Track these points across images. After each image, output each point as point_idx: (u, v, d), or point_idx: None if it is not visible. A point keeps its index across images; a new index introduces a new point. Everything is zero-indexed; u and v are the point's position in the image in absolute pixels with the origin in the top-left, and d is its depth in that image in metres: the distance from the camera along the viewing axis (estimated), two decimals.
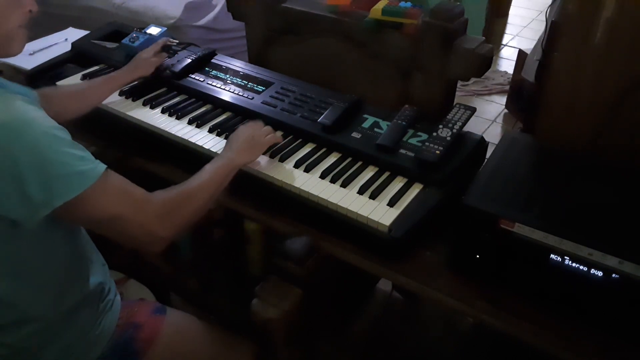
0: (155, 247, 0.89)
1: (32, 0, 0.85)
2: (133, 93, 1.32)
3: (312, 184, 1.03)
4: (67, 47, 1.54)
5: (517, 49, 2.93)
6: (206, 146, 1.14)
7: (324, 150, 1.13)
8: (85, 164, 0.78)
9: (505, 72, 3.39)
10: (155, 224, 0.86)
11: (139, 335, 1.02)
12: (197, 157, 1.14)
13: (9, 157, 0.72)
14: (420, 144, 1.07)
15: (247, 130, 1.08)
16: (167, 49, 1.40)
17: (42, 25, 1.46)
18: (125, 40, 1.41)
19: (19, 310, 0.87)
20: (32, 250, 0.84)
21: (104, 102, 1.29)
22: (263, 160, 1.10)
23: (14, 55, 0.86)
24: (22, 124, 0.74)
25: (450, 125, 1.07)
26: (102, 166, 0.81)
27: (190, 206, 0.92)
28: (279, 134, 1.16)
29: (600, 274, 0.78)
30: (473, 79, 2.71)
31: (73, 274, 0.94)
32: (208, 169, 0.98)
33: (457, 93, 1.30)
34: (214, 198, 0.97)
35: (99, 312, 0.99)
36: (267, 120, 1.20)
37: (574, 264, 0.80)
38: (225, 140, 1.15)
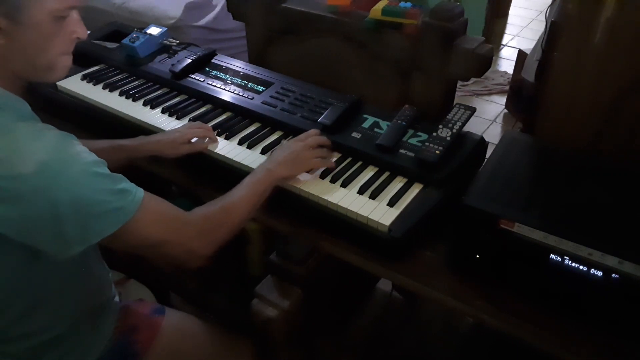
0: (195, 263, 0.87)
1: (81, 26, 0.82)
2: (133, 93, 1.32)
3: (312, 184, 1.03)
4: None
5: (517, 49, 2.94)
6: (207, 146, 1.14)
7: None
8: (123, 198, 0.76)
9: (505, 72, 3.39)
10: (196, 243, 0.85)
11: (137, 337, 1.02)
12: (198, 157, 1.14)
13: (47, 198, 0.71)
14: (420, 144, 1.07)
15: (295, 145, 1.03)
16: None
17: None
18: (126, 41, 1.41)
19: (29, 327, 0.87)
20: (50, 276, 0.84)
21: (104, 102, 1.29)
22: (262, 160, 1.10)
23: (52, 82, 0.84)
24: (62, 163, 0.73)
25: (450, 125, 1.07)
26: (140, 195, 0.79)
27: (230, 222, 0.90)
28: (334, 158, 1.09)
29: (600, 273, 0.78)
30: (473, 79, 2.71)
31: (86, 292, 0.94)
32: (247, 182, 0.95)
33: (457, 93, 1.30)
34: (254, 211, 0.94)
35: (98, 318, 0.99)
36: (267, 120, 1.20)
37: (573, 264, 0.80)
38: (225, 140, 1.16)
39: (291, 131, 1.17)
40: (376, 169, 1.07)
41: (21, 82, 0.82)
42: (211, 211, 0.89)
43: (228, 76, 1.34)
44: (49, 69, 0.81)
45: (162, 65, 1.39)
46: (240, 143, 1.15)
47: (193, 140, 1.12)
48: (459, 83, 1.40)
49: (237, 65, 1.39)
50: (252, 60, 1.55)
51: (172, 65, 1.35)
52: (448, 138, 1.04)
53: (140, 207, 0.78)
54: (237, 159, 1.10)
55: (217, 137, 1.16)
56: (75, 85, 1.37)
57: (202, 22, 2.49)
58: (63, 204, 0.71)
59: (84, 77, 1.39)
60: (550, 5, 1.67)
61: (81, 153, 0.76)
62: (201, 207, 0.89)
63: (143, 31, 1.45)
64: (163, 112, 1.26)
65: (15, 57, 0.77)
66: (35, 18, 0.75)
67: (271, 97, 1.25)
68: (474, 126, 2.16)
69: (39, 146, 0.73)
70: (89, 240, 0.75)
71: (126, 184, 0.79)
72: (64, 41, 0.81)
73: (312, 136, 1.06)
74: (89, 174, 0.74)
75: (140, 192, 0.80)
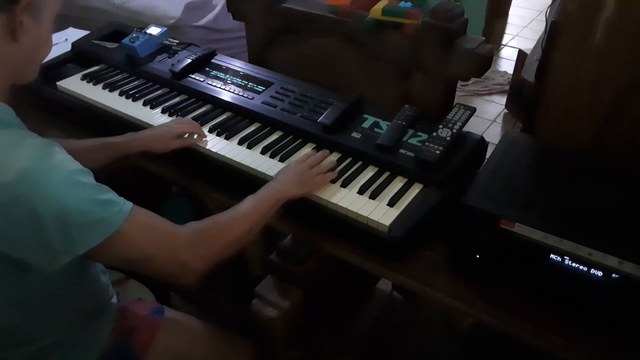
0: (187, 279, 0.85)
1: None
2: (133, 93, 1.32)
3: None
4: (68, 47, 1.54)
5: (517, 49, 2.94)
6: (206, 146, 1.14)
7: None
8: (109, 209, 0.75)
9: (505, 72, 3.39)
10: (185, 256, 0.82)
11: (135, 339, 1.02)
12: (198, 157, 1.14)
13: (28, 207, 0.69)
14: (420, 144, 1.07)
15: (300, 166, 1.02)
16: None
17: None
18: (126, 41, 1.41)
19: (26, 334, 0.86)
20: (44, 285, 0.83)
21: (104, 102, 1.29)
22: (263, 161, 1.10)
23: (30, 81, 0.84)
24: (42, 171, 0.71)
25: (450, 125, 1.07)
26: (127, 207, 0.77)
27: (224, 237, 0.87)
28: (332, 166, 1.06)
29: (600, 273, 0.78)
30: (473, 79, 2.71)
31: (83, 297, 0.94)
32: (250, 200, 0.92)
33: (457, 93, 1.30)
34: (255, 229, 0.92)
35: (95, 321, 0.98)
36: (267, 120, 1.20)
37: (573, 264, 0.80)
38: (225, 140, 1.16)
39: (291, 131, 1.17)
40: (376, 169, 1.07)
41: (5, 87, 0.81)
42: (205, 224, 0.87)
43: (228, 76, 1.34)
44: (37, 67, 0.84)
45: (162, 65, 1.39)
46: (240, 143, 1.15)
47: (186, 135, 1.14)
48: (459, 83, 1.40)
49: (237, 65, 1.39)
50: (252, 60, 1.55)
51: (172, 65, 1.35)
52: (448, 138, 1.04)
53: (127, 220, 0.76)
54: (237, 159, 1.10)
55: (210, 134, 1.17)
56: (75, 85, 1.37)
57: (202, 22, 2.49)
58: (44, 213, 0.69)
59: (84, 77, 1.39)
60: (550, 5, 1.67)
61: (64, 161, 0.74)
62: (196, 221, 0.87)
63: (143, 31, 1.45)
64: (163, 112, 1.26)
65: (23, 56, 0.78)
66: (47, 17, 0.78)
67: (271, 97, 1.25)
68: (474, 126, 2.16)
69: (19, 154, 0.71)
70: (74, 251, 0.73)
71: (112, 195, 0.77)
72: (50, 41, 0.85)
73: (313, 156, 1.06)
74: (71, 182, 0.72)
75: (127, 204, 0.78)
